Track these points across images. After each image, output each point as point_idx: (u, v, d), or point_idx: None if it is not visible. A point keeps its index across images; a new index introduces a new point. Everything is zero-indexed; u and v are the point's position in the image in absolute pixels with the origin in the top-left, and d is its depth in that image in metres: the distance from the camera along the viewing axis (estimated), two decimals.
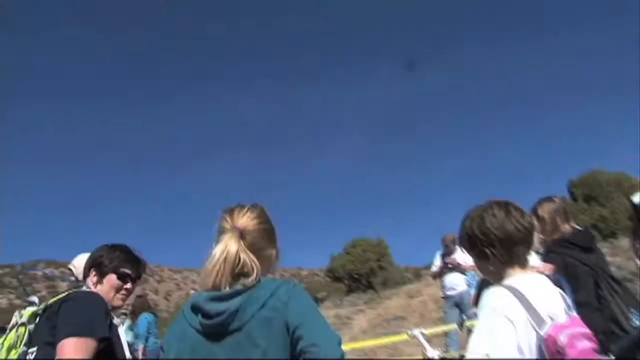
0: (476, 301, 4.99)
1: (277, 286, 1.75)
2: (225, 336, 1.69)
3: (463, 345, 8.58)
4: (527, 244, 1.96)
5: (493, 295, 1.84)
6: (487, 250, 1.95)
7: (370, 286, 34.11)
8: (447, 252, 8.66)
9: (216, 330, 1.70)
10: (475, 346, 1.72)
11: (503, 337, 1.72)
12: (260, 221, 1.91)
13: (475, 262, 2.08)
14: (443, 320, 9.29)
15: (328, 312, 22.23)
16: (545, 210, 4.06)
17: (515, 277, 1.93)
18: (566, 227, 4.05)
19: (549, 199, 4.16)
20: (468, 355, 1.75)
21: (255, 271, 1.78)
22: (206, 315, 1.72)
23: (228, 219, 1.89)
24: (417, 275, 38.68)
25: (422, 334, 4.74)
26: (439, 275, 8.86)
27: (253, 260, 1.80)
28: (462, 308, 8.49)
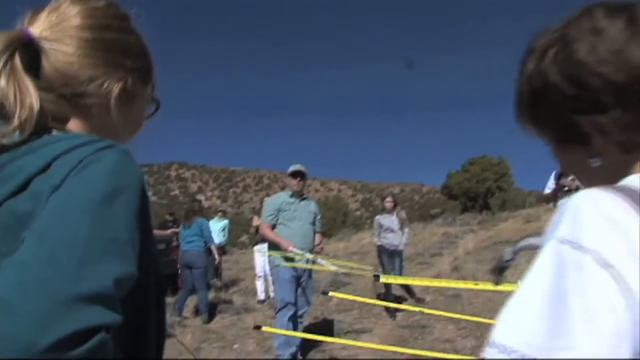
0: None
1: (62, 151, 0.84)
2: None
3: None
4: None
5: (588, 209, 0.69)
6: (585, 119, 0.81)
7: (486, 207, 32.78)
8: (564, 172, 7.27)
9: None
10: (521, 331, 0.63)
11: (600, 319, 0.60)
12: (85, 24, 0.95)
13: (557, 151, 0.91)
14: None
15: (438, 229, 21.65)
16: None
17: None
18: None
19: None
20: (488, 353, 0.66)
21: (20, 112, 0.87)
22: None
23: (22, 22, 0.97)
24: (540, 199, 36.46)
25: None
26: (553, 199, 7.55)
27: (23, 92, 0.88)
28: None
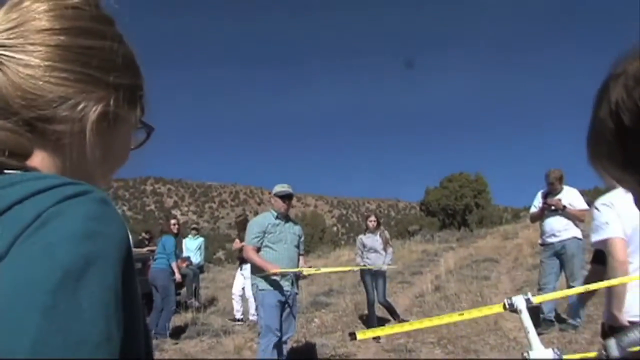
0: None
1: (13, 202, 0.58)
2: None
3: (561, 307, 7.33)
4: None
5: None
6: None
7: (464, 223, 32.93)
8: (551, 191, 7.27)
9: None
10: None
11: None
12: (55, 27, 0.72)
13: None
14: (538, 269, 8.03)
15: (417, 246, 21.62)
16: None
17: None
18: None
19: None
20: None
21: None
22: None
23: None
24: (517, 216, 36.94)
25: (529, 303, 2.55)
26: (539, 217, 7.50)
27: None
28: (563, 260, 7.14)
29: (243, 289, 9.57)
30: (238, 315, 9.74)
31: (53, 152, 0.72)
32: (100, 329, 0.53)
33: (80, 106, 0.72)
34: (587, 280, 3.47)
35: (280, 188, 5.85)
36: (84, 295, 0.53)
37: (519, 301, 2.06)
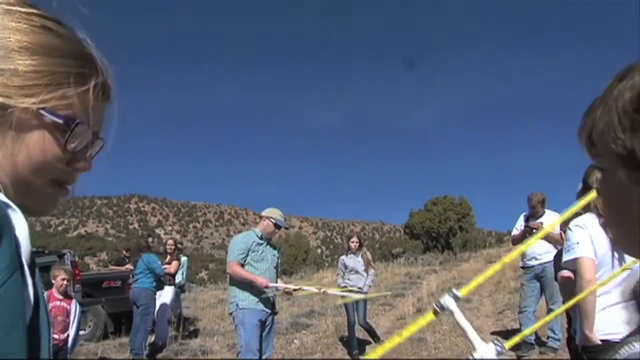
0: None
1: None
2: None
3: (540, 329, 7.33)
4: None
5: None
6: None
7: (448, 246, 32.97)
8: (533, 214, 7.29)
9: None
10: None
11: None
12: None
13: (618, 191, 0.74)
14: (519, 292, 8.03)
15: (400, 269, 21.58)
16: None
17: None
18: None
19: None
20: None
21: None
22: None
23: None
24: (500, 240, 37.17)
25: (457, 299, 2.85)
26: (520, 240, 7.52)
27: None
28: (544, 283, 7.15)
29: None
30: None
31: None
32: None
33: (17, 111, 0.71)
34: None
35: (279, 216, 5.93)
36: None
37: (448, 301, 2.04)
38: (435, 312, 2.74)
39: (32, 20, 0.74)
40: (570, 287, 3.45)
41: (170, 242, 9.69)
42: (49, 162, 0.75)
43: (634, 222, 0.72)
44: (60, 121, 0.74)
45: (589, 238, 2.96)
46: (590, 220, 2.96)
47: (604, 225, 2.90)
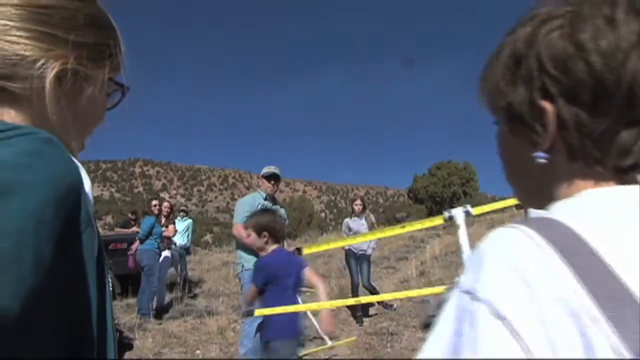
0: None
1: None
2: None
3: None
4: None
5: (492, 254, 0.60)
6: (549, 104, 0.68)
7: None
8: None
9: None
10: None
11: None
12: None
13: (502, 134, 0.78)
14: None
15: (404, 233, 21.67)
16: None
17: (589, 195, 0.67)
18: None
19: None
20: None
21: None
22: None
23: None
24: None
25: (467, 215, 3.00)
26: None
27: None
28: None
29: None
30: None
31: (15, 109, 0.73)
32: (5, 248, 0.52)
33: (39, 64, 0.73)
34: None
35: (266, 169, 5.86)
36: None
37: (457, 213, 2.07)
38: (444, 219, 2.75)
39: None
40: None
41: (166, 204, 9.72)
42: (97, 124, 0.86)
43: (518, 174, 0.77)
44: (119, 89, 0.87)
45: None
46: None
47: None
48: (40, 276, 0.56)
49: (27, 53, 0.72)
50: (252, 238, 4.00)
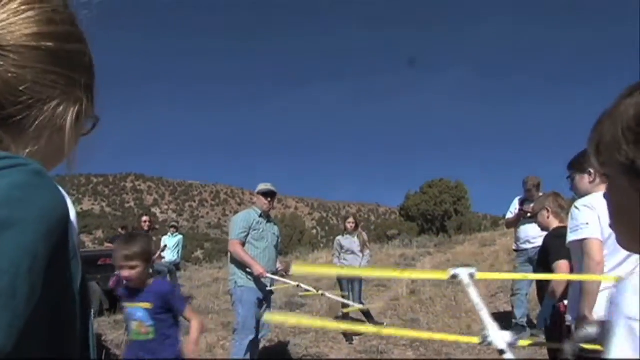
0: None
1: None
2: None
3: (534, 313, 7.40)
4: None
5: None
6: None
7: (443, 229, 33.17)
8: (528, 198, 7.29)
9: None
10: None
11: None
12: (39, 31, 0.73)
13: (619, 195, 0.87)
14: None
15: (395, 251, 21.64)
16: None
17: None
18: None
19: None
20: None
21: None
22: None
23: None
24: (495, 224, 37.32)
25: (472, 277, 2.92)
26: (514, 223, 7.56)
27: None
28: (536, 266, 7.20)
29: None
30: None
31: (29, 145, 0.75)
32: (1, 286, 0.54)
33: (62, 107, 0.77)
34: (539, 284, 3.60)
35: (263, 186, 5.88)
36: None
37: (463, 274, 2.07)
38: (450, 277, 2.70)
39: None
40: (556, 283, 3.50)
41: (145, 218, 9.65)
42: (69, 154, 0.85)
43: (635, 223, 0.84)
44: (90, 126, 0.88)
45: (598, 219, 2.97)
46: (599, 201, 2.93)
47: None
48: (32, 309, 0.57)
49: (52, 95, 0.75)
50: None
